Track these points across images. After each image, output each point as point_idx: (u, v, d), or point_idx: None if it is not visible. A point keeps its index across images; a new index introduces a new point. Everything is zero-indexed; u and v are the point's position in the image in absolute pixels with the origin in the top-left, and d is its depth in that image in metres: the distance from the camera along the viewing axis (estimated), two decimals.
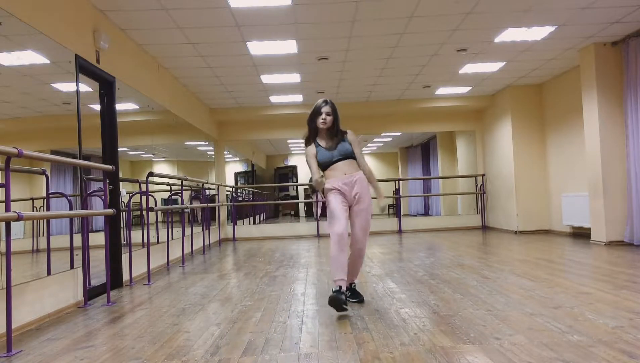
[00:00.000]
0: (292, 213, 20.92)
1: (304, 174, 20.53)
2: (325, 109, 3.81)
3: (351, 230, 3.78)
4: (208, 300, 4.22)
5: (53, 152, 4.41)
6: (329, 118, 3.81)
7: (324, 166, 3.80)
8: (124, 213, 5.50)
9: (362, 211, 3.75)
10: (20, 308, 3.43)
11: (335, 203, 3.70)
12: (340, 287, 3.51)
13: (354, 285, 3.94)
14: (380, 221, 12.05)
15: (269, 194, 19.09)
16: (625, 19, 6.07)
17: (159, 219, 6.81)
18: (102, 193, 4.71)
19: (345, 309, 3.47)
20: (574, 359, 2.38)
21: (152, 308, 4.04)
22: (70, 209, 4.33)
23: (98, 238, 4.75)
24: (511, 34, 6.43)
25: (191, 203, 8.43)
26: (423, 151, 16.73)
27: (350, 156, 3.81)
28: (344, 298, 3.46)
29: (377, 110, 10.68)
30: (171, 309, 3.94)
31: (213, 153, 10.87)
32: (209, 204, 9.18)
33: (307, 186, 19.24)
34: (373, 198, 3.83)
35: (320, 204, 11.11)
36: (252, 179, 16.81)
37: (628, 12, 5.83)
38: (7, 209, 3.00)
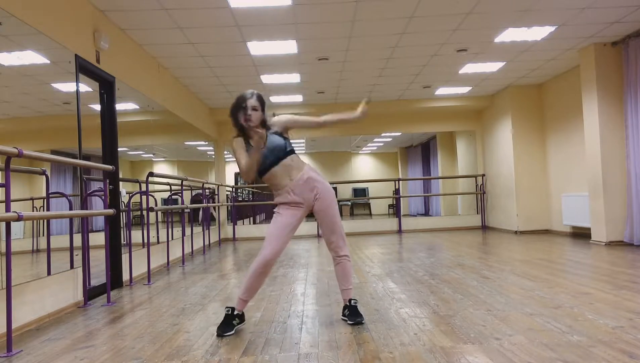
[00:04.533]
0: None
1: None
2: (251, 102, 3.05)
3: (323, 235, 3.33)
4: (208, 300, 4.22)
5: (53, 152, 4.41)
6: (255, 114, 3.05)
7: (259, 173, 3.15)
8: (124, 213, 5.50)
9: (322, 211, 3.20)
10: (20, 308, 3.43)
11: (279, 222, 3.15)
12: (234, 309, 3.15)
13: (354, 302, 3.30)
14: (380, 221, 12.05)
15: (269, 194, 19.09)
16: (625, 19, 6.07)
17: (159, 219, 6.81)
18: (102, 193, 4.71)
19: (224, 335, 3.05)
20: (574, 359, 2.38)
21: (152, 308, 4.04)
22: (70, 209, 4.34)
23: (98, 238, 4.75)
24: (511, 34, 6.43)
25: (191, 203, 8.43)
26: (423, 151, 16.73)
27: (284, 152, 3.11)
28: (233, 324, 3.13)
29: (377, 110, 10.67)
30: (171, 309, 3.94)
31: (213, 153, 10.87)
32: (209, 204, 9.18)
33: None
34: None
35: None
36: None
37: (628, 12, 5.83)
38: (7, 209, 3.00)
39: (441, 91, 9.75)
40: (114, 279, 5.04)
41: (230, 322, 3.14)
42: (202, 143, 10.12)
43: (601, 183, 6.99)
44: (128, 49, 5.85)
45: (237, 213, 11.50)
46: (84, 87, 4.71)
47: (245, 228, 11.52)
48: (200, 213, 9.30)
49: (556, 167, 9.13)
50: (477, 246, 7.53)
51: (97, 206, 5.00)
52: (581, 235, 8.23)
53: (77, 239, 4.28)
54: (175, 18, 5.39)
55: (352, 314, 3.25)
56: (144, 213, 5.96)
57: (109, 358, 2.73)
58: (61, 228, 4.36)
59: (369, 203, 19.75)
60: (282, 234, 3.14)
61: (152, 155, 7.57)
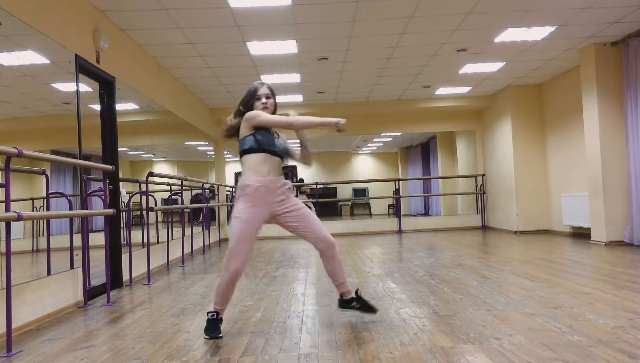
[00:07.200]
0: None
1: (303, 174, 20.52)
2: (264, 90, 3.07)
3: (305, 235, 3.11)
4: (208, 300, 4.22)
5: (53, 152, 4.41)
6: (270, 101, 3.06)
7: (262, 145, 2.98)
8: (124, 213, 5.50)
9: (300, 208, 3.09)
10: (20, 308, 3.43)
11: (249, 217, 2.93)
12: (218, 313, 3.06)
13: (359, 292, 3.27)
14: (380, 221, 12.05)
15: None
16: (625, 19, 6.07)
17: (159, 219, 6.81)
18: (102, 193, 4.71)
19: (220, 337, 3.00)
20: (574, 359, 2.38)
21: (152, 308, 4.04)
22: (70, 209, 4.34)
23: (98, 238, 4.75)
24: (511, 34, 6.43)
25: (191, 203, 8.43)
26: (423, 151, 16.72)
27: (285, 154, 3.12)
28: (219, 327, 3.04)
29: (377, 110, 10.68)
30: (171, 309, 3.94)
31: (213, 153, 10.87)
32: (209, 204, 9.18)
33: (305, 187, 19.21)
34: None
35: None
36: None
37: (628, 12, 5.83)
38: (7, 209, 3.00)
39: (441, 91, 9.75)
40: (114, 279, 5.04)
41: (218, 325, 3.06)
42: (202, 143, 10.12)
43: (601, 183, 6.99)
44: (128, 49, 5.85)
45: None
46: (84, 87, 4.71)
47: None
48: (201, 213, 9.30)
49: (556, 167, 9.13)
50: (477, 246, 7.52)
51: (97, 206, 5.00)
52: (581, 234, 8.23)
53: (77, 239, 4.28)
54: (175, 18, 5.39)
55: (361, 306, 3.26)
56: (144, 213, 5.96)
57: (109, 358, 2.73)
58: (61, 228, 4.36)
59: (369, 203, 19.72)
60: (255, 228, 2.99)
61: (152, 155, 7.57)
